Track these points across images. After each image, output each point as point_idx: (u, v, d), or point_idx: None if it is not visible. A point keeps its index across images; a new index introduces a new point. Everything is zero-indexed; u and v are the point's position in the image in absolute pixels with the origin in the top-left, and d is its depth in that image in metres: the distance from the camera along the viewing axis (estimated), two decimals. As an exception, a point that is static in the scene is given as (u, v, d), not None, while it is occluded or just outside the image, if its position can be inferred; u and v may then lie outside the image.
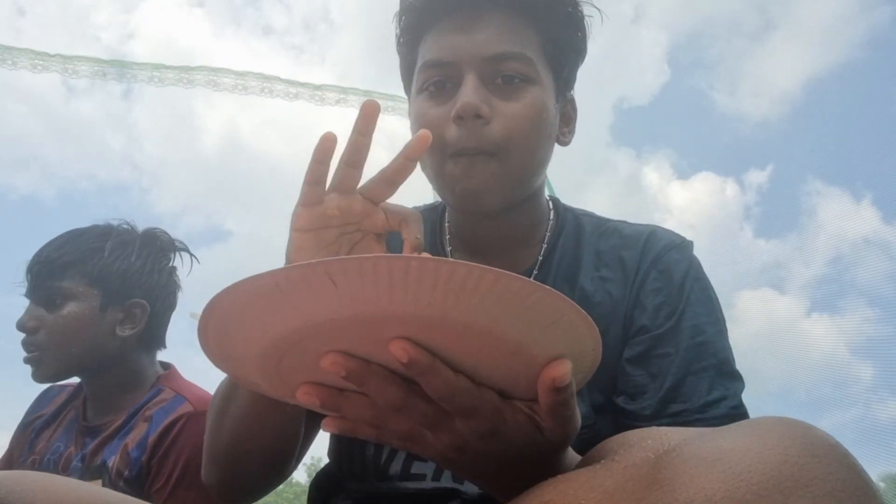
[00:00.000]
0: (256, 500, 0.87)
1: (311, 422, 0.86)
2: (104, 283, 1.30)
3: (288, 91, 2.92)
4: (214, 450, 0.79)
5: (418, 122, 0.82)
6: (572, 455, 0.59)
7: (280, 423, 0.75)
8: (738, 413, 0.75)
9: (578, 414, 0.50)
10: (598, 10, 0.86)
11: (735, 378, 0.77)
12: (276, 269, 0.41)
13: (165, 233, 1.43)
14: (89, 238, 1.33)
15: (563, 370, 0.45)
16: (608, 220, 0.91)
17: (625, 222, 0.90)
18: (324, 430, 0.53)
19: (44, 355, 1.26)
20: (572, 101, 0.92)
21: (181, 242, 1.45)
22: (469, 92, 0.76)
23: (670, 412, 0.75)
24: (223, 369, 0.54)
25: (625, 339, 0.80)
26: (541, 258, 0.87)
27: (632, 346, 0.79)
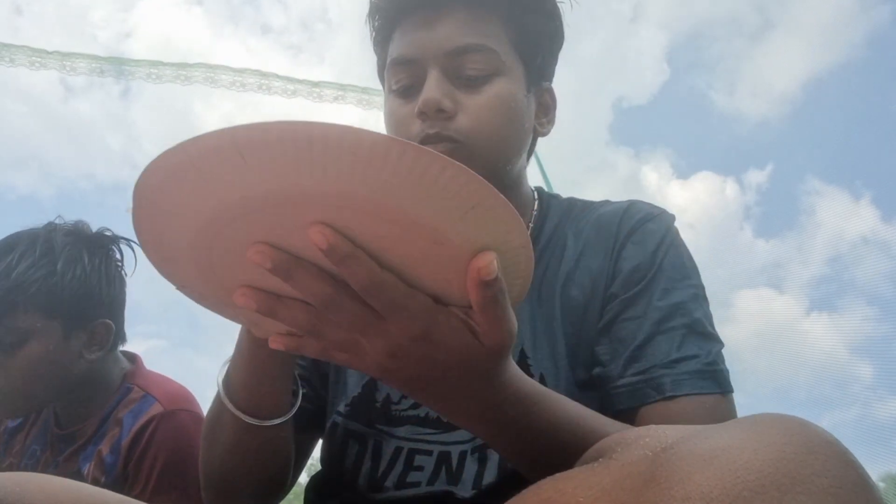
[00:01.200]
0: None
1: (308, 433, 0.87)
2: (62, 311, 1.18)
3: (286, 88, 2.92)
4: (208, 472, 0.79)
5: (387, 120, 0.83)
6: (531, 383, 0.58)
7: (268, 449, 0.75)
8: (713, 370, 0.72)
9: (514, 318, 0.50)
10: None
11: (710, 339, 0.75)
12: (187, 139, 0.39)
13: (106, 229, 1.31)
14: (34, 261, 1.18)
15: (488, 259, 0.45)
16: (592, 202, 0.91)
17: (607, 201, 0.90)
18: (271, 347, 0.53)
19: (6, 397, 1.17)
20: (550, 92, 0.90)
21: (112, 232, 1.31)
22: (431, 87, 0.76)
23: (635, 370, 0.73)
24: (169, 279, 0.52)
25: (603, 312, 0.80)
26: None
27: (604, 315, 0.79)
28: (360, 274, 0.45)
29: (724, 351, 0.77)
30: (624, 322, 0.76)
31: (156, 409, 1.21)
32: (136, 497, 1.13)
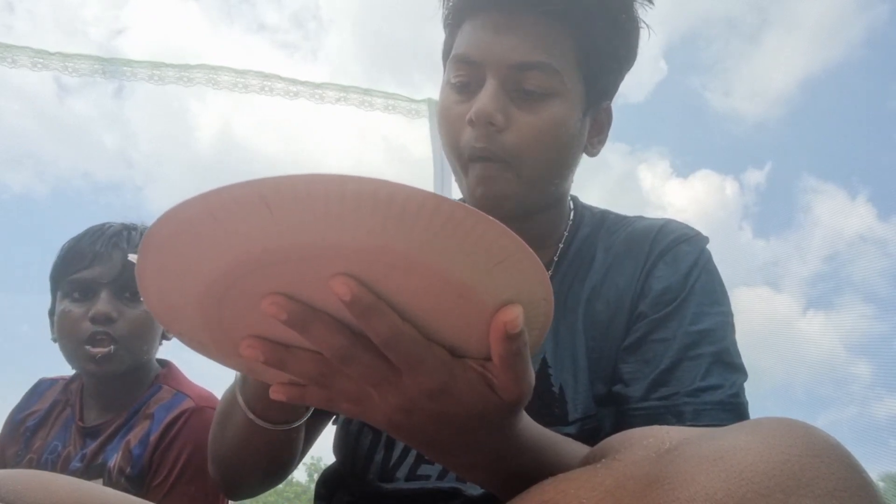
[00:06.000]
0: (257, 495, 0.89)
1: (313, 421, 0.86)
2: None
3: (288, 90, 2.90)
4: (216, 456, 0.80)
5: (441, 113, 0.83)
6: (538, 430, 0.58)
7: (277, 446, 0.75)
8: (735, 402, 0.72)
9: (532, 372, 0.48)
10: (646, 24, 0.84)
11: (735, 369, 0.75)
12: (208, 191, 0.37)
13: None
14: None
15: (515, 313, 0.43)
16: (625, 217, 0.90)
17: (641, 217, 0.89)
18: (272, 397, 0.51)
19: (118, 350, 1.25)
20: (608, 110, 0.89)
21: None
22: (485, 98, 0.76)
23: (659, 395, 0.73)
24: (167, 327, 0.51)
25: (628, 329, 0.79)
26: (556, 258, 0.86)
27: (631, 334, 0.78)
28: (382, 326, 0.43)
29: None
30: (652, 343, 0.76)
31: (188, 404, 1.27)
32: (157, 487, 1.19)
